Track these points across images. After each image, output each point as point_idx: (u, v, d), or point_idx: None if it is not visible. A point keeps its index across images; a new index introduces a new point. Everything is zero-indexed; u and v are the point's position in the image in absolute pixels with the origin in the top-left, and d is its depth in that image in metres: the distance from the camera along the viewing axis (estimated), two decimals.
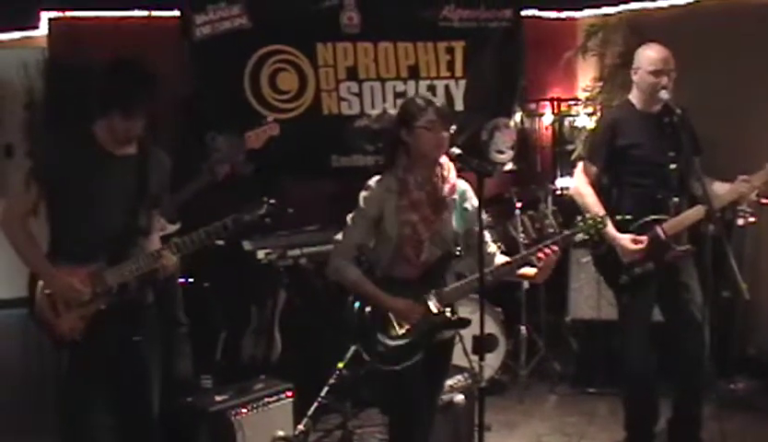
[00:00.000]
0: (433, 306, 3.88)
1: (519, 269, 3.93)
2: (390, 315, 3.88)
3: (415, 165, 3.87)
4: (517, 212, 6.38)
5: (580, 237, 3.99)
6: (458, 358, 5.34)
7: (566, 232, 4.01)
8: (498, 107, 7.43)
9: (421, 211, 3.85)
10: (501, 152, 7.35)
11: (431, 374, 4.02)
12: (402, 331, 3.87)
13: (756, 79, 6.17)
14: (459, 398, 5.27)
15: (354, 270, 3.89)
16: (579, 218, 4.03)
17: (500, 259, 3.99)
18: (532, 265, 3.91)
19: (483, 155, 7.18)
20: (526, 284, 6.36)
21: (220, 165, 5.35)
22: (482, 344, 4.03)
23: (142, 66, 3.85)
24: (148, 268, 3.88)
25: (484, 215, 5.71)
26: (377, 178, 3.92)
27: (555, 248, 3.85)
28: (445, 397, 5.19)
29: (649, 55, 4.86)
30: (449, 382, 5.29)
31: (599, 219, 4.00)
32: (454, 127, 3.92)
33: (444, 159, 3.92)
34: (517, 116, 7.45)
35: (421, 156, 3.85)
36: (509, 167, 7.40)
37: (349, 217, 3.93)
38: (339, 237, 3.94)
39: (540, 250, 3.87)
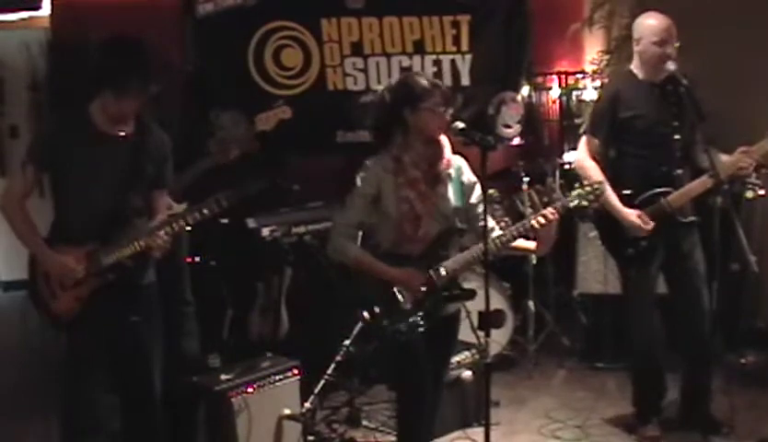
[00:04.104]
0: (436, 278, 3.91)
1: (515, 240, 3.93)
2: (395, 288, 3.90)
3: (412, 143, 3.90)
4: (525, 186, 6.35)
5: (576, 203, 3.93)
6: (465, 334, 5.36)
7: (562, 199, 3.97)
8: (505, 81, 7.38)
9: (417, 187, 3.88)
10: (508, 126, 7.32)
11: (437, 349, 4.05)
12: (408, 304, 3.90)
13: (762, 51, 6.11)
14: (467, 374, 5.28)
15: (355, 246, 3.95)
16: (577, 185, 4.00)
17: (498, 233, 3.99)
18: (532, 239, 3.93)
19: (490, 129, 7.14)
20: (534, 260, 6.34)
21: (229, 149, 5.34)
22: (488, 320, 4.02)
23: (137, 46, 3.83)
24: (141, 248, 3.86)
25: (491, 190, 5.77)
26: (373, 158, 3.96)
27: (554, 214, 3.86)
28: (452, 373, 5.22)
29: (652, 25, 4.81)
30: (457, 358, 5.31)
31: (597, 186, 3.96)
32: (453, 107, 3.95)
33: (441, 136, 3.95)
34: (525, 90, 7.40)
35: (422, 135, 3.89)
36: (516, 141, 7.36)
37: (348, 197, 3.97)
38: (340, 217, 3.99)
39: (534, 218, 3.87)
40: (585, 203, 3.94)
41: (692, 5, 5.92)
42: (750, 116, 5.61)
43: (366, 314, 3.92)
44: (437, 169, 3.94)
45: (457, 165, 4.02)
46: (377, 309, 3.91)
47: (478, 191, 4.01)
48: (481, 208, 3.98)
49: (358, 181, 3.94)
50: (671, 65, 4.70)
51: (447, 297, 3.98)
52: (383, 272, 3.90)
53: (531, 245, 3.99)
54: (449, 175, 3.98)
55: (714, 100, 4.96)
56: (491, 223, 4.03)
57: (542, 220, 3.86)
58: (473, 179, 4.03)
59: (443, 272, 3.93)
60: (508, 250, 4.00)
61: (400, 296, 3.91)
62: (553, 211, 3.88)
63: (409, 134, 3.89)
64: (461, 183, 4.00)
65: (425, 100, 3.84)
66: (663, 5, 4.94)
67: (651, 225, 4.76)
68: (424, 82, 3.88)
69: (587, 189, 3.94)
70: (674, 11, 4.89)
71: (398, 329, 3.87)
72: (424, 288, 3.91)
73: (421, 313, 3.90)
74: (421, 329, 3.88)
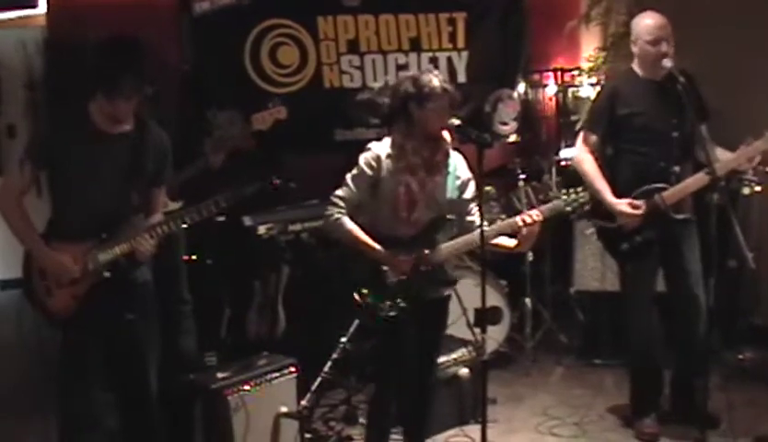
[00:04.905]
0: (422, 261, 4.07)
1: (497, 237, 4.08)
2: (383, 267, 4.08)
3: (414, 133, 4.06)
4: (521, 183, 6.35)
5: (560, 209, 4.09)
6: (462, 331, 5.37)
7: (546, 204, 4.12)
8: (501, 78, 7.39)
9: (416, 173, 4.06)
10: (505, 123, 7.32)
11: (425, 333, 4.24)
12: (393, 282, 4.08)
13: (760, 50, 6.11)
14: (464, 371, 5.28)
15: (350, 222, 4.11)
16: (563, 191, 4.10)
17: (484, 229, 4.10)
18: (513, 236, 4.10)
19: (487, 126, 7.14)
20: (530, 257, 6.34)
21: (220, 151, 5.36)
22: (485, 317, 4.05)
23: (130, 46, 3.82)
24: (132, 248, 3.87)
25: (488, 187, 5.82)
26: (377, 142, 4.15)
27: (538, 216, 4.02)
28: (449, 370, 5.23)
29: (646, 24, 4.82)
30: (454, 355, 5.31)
31: (582, 195, 4.10)
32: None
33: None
34: (521, 87, 7.40)
35: (423, 131, 4.05)
36: (513, 138, 7.36)
37: (348, 176, 4.14)
38: (338, 192, 4.15)
39: (521, 219, 4.04)
40: (569, 209, 4.10)
41: (690, 4, 5.92)
42: (749, 115, 5.62)
43: (356, 296, 4.08)
44: (437, 159, 4.10)
45: (454, 160, 4.16)
46: (365, 291, 4.08)
47: (471, 187, 4.18)
48: (472, 205, 4.16)
49: (361, 162, 4.12)
50: (668, 63, 4.71)
51: (430, 281, 4.12)
52: (374, 250, 4.07)
53: (512, 243, 4.13)
54: (447, 167, 4.13)
55: (712, 99, 4.97)
56: (478, 219, 4.14)
57: (527, 220, 4.02)
58: (469, 175, 4.19)
59: (429, 257, 4.08)
60: (490, 247, 4.07)
61: (387, 276, 4.08)
62: (538, 213, 4.03)
63: (412, 126, 4.04)
64: (457, 177, 4.16)
65: (432, 101, 3.98)
66: (660, 4, 4.95)
67: (641, 209, 4.77)
68: (435, 83, 4.00)
69: (573, 196, 4.09)
70: (672, 10, 4.89)
71: (383, 306, 4.04)
72: (409, 270, 4.07)
73: (405, 293, 4.07)
74: (402, 305, 4.04)
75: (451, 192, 4.13)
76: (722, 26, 6.18)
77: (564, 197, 4.08)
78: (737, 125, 4.98)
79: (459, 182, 4.15)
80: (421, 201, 4.07)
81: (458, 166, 4.17)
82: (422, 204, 4.08)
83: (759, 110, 5.81)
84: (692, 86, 4.80)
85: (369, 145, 4.15)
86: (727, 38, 6.14)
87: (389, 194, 4.07)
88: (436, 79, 4.02)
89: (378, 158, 4.08)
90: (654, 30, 4.77)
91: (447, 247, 4.11)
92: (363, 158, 4.12)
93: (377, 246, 4.07)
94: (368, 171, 4.09)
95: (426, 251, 4.08)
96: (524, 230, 4.03)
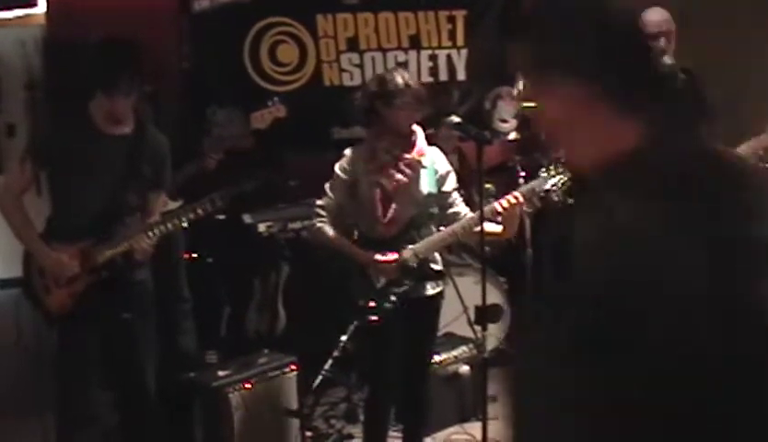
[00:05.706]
0: (406, 259, 4.13)
1: (478, 225, 4.06)
2: (369, 270, 4.18)
3: (385, 132, 4.14)
4: (521, 180, 6.34)
5: (539, 187, 4.09)
6: (462, 329, 5.37)
7: (524, 186, 4.17)
8: (501, 75, 7.37)
9: (388, 173, 4.14)
10: (504, 121, 7.30)
11: (415, 331, 4.29)
12: (380, 283, 4.16)
13: (763, 46, 6.10)
14: (464, 369, 5.28)
15: (332, 229, 4.24)
16: (543, 169, 4.10)
17: (469, 217, 4.15)
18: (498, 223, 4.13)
19: (487, 123, 7.13)
20: (530, 253, 6.33)
21: (219, 149, 5.36)
22: (485, 314, 4.05)
23: (125, 46, 3.85)
24: (128, 247, 3.88)
25: (488, 184, 5.82)
26: (351, 148, 4.30)
27: (517, 198, 4.02)
28: (450, 368, 5.23)
29: (647, 19, 4.80)
30: (454, 353, 5.31)
31: (561, 169, 4.08)
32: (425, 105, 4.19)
33: (414, 127, 4.19)
34: (521, 84, 7.39)
35: (393, 128, 4.12)
36: (513, 135, 7.35)
37: (327, 184, 4.28)
38: (319, 202, 4.25)
39: (500, 203, 4.05)
40: (546, 187, 4.09)
41: (693, 1, 5.91)
42: (750, 112, 5.61)
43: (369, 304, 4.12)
44: (409, 156, 4.16)
45: (431, 156, 4.23)
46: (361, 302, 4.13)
47: (451, 180, 4.25)
48: (453, 196, 4.23)
49: (337, 169, 4.24)
50: (666, 60, 4.70)
51: (416, 277, 4.16)
52: (357, 254, 4.20)
53: (498, 229, 4.14)
54: (421, 163, 4.18)
55: (714, 96, 4.96)
56: (464, 209, 4.25)
57: (505, 204, 4.02)
58: (447, 168, 4.26)
59: (412, 253, 4.13)
60: (476, 234, 4.08)
61: (373, 277, 4.16)
62: (516, 195, 4.04)
63: (383, 125, 4.11)
64: (435, 171, 4.21)
65: (397, 98, 4.05)
66: (662, 1, 4.94)
67: None
68: (398, 80, 4.07)
69: (552, 173, 4.09)
70: (674, 7, 4.88)
71: (373, 307, 4.10)
72: (394, 269, 4.12)
73: (394, 292, 4.12)
74: (389, 305, 4.09)
75: (430, 187, 4.18)
76: (724, 24, 6.17)
77: (544, 175, 4.07)
78: (738, 122, 4.97)
79: (437, 176, 4.21)
80: (395, 199, 4.13)
81: (435, 160, 4.23)
82: (397, 203, 4.14)
83: (761, 107, 5.80)
84: (694, 83, 4.78)
85: (345, 151, 4.28)
86: (730, 35, 6.13)
87: (366, 196, 4.17)
88: (399, 76, 4.08)
89: (353, 162, 4.20)
90: (652, 25, 4.76)
91: (429, 240, 4.15)
92: (338, 165, 4.25)
93: (357, 250, 4.19)
94: (343, 176, 4.21)
95: (408, 248, 4.13)
96: (504, 214, 4.03)
